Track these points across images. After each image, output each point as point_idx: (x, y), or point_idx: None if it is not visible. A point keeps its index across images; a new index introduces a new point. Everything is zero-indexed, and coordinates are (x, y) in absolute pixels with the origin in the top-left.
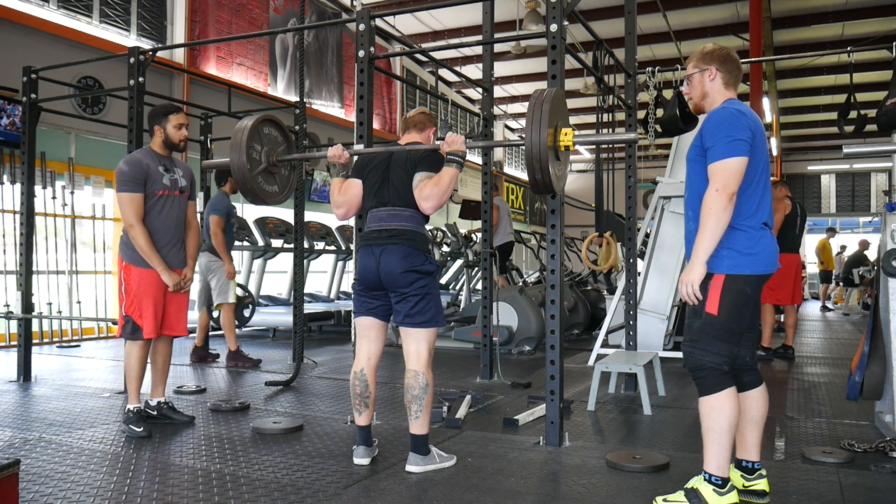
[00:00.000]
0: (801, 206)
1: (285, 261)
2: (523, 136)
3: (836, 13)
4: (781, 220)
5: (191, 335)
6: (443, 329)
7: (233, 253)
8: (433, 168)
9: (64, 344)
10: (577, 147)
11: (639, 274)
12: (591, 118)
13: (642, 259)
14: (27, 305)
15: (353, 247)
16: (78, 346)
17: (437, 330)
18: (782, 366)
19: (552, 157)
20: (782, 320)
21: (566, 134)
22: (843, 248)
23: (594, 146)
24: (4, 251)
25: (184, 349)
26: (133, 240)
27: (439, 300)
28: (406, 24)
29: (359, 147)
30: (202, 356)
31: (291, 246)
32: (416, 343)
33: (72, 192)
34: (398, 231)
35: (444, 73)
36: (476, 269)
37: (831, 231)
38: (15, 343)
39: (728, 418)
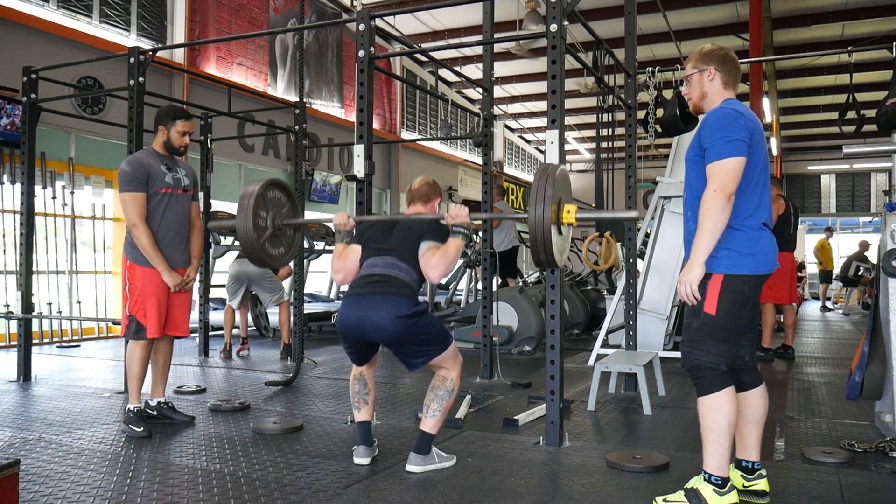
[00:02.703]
0: (794, 205)
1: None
2: (526, 136)
3: (836, 13)
4: (775, 219)
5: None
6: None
7: (230, 254)
8: (439, 238)
9: (64, 344)
10: (576, 147)
11: (639, 274)
12: (591, 118)
13: (642, 259)
14: (27, 305)
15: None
16: (78, 346)
17: (451, 345)
18: (782, 366)
19: (555, 232)
20: (782, 320)
21: (569, 211)
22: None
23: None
24: (4, 251)
25: (184, 349)
26: (136, 239)
27: (437, 324)
28: (406, 24)
29: (363, 217)
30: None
31: None
32: (441, 363)
33: (72, 192)
34: (388, 278)
35: (444, 73)
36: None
37: (829, 231)
38: (15, 343)
39: (727, 418)
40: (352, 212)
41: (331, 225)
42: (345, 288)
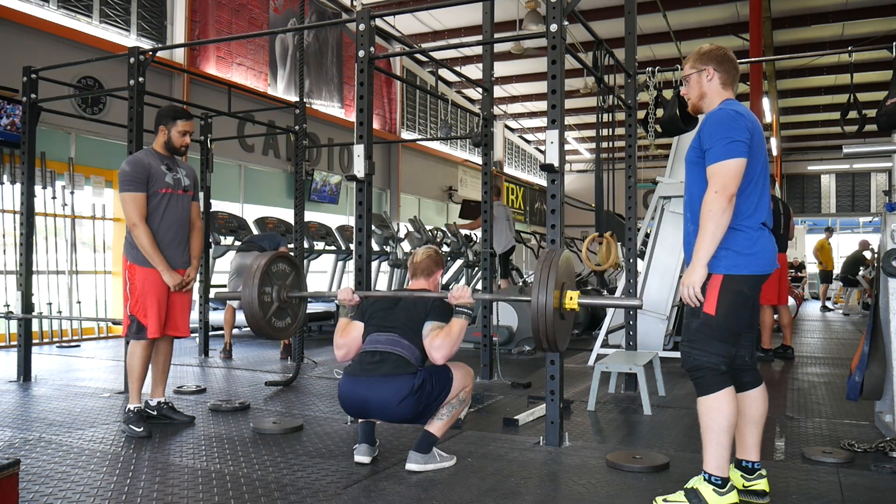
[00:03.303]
0: (784, 204)
1: None
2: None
3: (836, 13)
4: None
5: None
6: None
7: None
8: (443, 318)
9: (64, 344)
10: (576, 147)
11: (639, 274)
12: (591, 118)
13: (642, 259)
14: (27, 305)
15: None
16: (78, 346)
17: (455, 375)
18: (782, 366)
19: (557, 318)
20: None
21: (571, 297)
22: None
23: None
24: (4, 251)
25: (184, 349)
26: (136, 239)
27: (433, 379)
28: (406, 24)
29: (367, 292)
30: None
31: (292, 246)
32: (455, 390)
33: (72, 192)
34: (389, 356)
35: (444, 73)
36: (476, 268)
37: (829, 231)
38: (15, 343)
39: (726, 418)
40: (352, 210)
41: (335, 301)
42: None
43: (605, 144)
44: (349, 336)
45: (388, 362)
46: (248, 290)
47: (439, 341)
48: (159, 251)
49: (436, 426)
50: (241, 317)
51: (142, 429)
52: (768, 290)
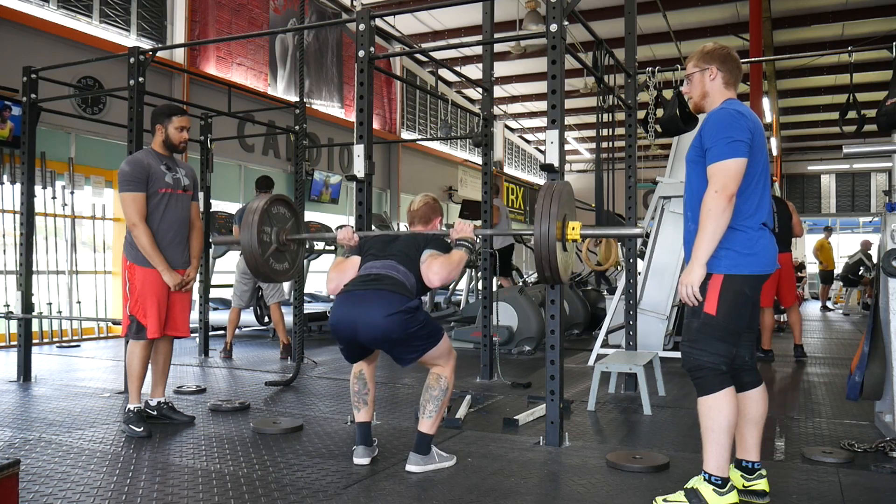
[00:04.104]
0: (786, 204)
1: None
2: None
3: (836, 13)
4: None
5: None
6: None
7: (230, 253)
8: (442, 249)
9: (64, 344)
10: (576, 147)
11: (639, 274)
12: (591, 118)
13: (642, 259)
14: (27, 305)
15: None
16: (78, 346)
17: (444, 338)
18: (782, 366)
19: (560, 248)
20: (782, 320)
21: (573, 228)
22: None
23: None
24: (4, 251)
25: (184, 349)
26: (136, 239)
27: (430, 321)
28: (406, 24)
29: (366, 232)
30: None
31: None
32: (433, 359)
33: (72, 192)
34: (383, 277)
35: (444, 73)
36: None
37: (828, 230)
38: (15, 343)
39: (726, 418)
40: (352, 210)
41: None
42: None
43: (605, 144)
44: (344, 272)
45: (381, 281)
46: (247, 229)
47: (437, 266)
48: (159, 251)
49: (426, 424)
50: (244, 317)
51: (142, 429)
52: (768, 293)
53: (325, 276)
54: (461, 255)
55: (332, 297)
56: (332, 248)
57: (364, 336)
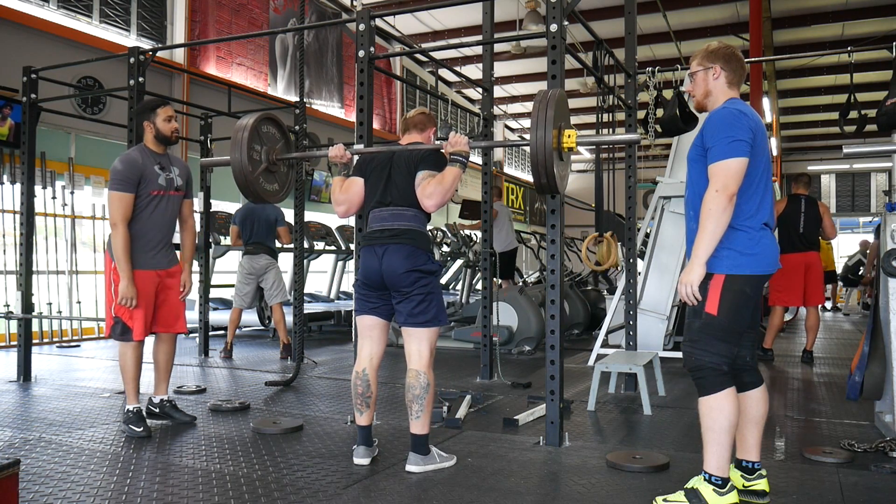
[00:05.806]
0: (807, 201)
1: (285, 261)
2: (526, 136)
3: (836, 13)
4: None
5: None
6: (443, 329)
7: (230, 254)
8: (436, 167)
9: (64, 344)
10: (577, 147)
11: (639, 274)
12: (591, 118)
13: (642, 259)
14: (27, 305)
15: (353, 247)
16: (78, 346)
17: (439, 329)
18: (783, 366)
19: (556, 158)
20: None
21: (569, 136)
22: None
23: (594, 146)
24: (4, 251)
25: (184, 349)
26: (112, 238)
27: (441, 299)
28: (406, 24)
29: (360, 147)
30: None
31: (291, 246)
32: (419, 343)
33: (72, 192)
34: (400, 230)
35: (444, 73)
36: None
37: None
38: (15, 343)
39: (727, 418)
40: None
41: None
42: (345, 288)
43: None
44: (350, 191)
45: (402, 235)
46: (237, 146)
47: (431, 188)
48: (129, 260)
49: (417, 425)
50: (245, 317)
51: (141, 429)
52: (789, 292)
53: (324, 276)
54: (455, 173)
55: (341, 218)
56: (333, 248)
57: (387, 276)
